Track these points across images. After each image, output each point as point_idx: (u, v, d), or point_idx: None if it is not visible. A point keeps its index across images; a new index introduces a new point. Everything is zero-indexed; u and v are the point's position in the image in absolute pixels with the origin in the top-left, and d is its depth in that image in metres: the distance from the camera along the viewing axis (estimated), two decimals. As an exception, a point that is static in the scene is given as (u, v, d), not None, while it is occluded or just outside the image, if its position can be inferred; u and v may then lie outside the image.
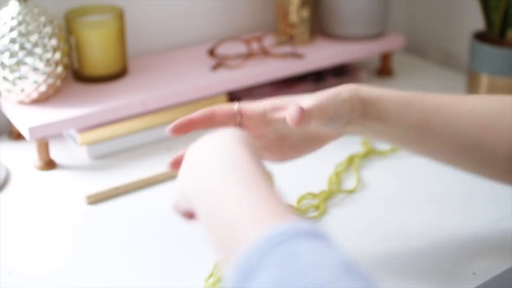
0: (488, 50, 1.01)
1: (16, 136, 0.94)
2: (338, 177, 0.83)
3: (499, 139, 0.59)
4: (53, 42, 0.86)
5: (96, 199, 0.79)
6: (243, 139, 0.51)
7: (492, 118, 0.61)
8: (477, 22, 1.11)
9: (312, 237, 0.40)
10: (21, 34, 0.83)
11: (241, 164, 0.48)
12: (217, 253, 0.46)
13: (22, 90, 0.85)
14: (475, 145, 0.61)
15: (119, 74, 0.95)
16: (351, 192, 0.80)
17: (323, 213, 0.76)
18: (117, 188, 0.80)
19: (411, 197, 0.79)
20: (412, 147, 0.64)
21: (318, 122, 0.59)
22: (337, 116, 0.60)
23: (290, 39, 1.06)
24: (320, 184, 0.81)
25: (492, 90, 1.02)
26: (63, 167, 0.87)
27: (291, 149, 0.65)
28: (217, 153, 0.50)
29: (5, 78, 0.84)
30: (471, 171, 0.64)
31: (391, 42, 1.12)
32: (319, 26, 1.12)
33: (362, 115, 0.61)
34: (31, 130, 0.82)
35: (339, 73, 1.12)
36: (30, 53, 0.84)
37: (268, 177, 0.48)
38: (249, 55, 1.00)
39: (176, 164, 0.59)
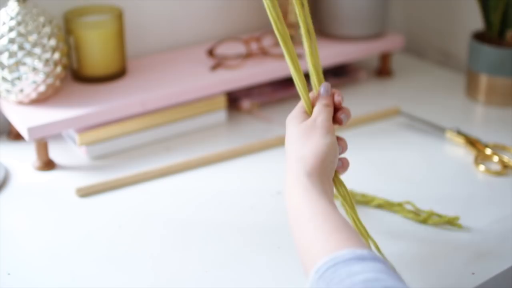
0: (487, 50, 1.01)
1: (15, 136, 0.94)
2: None
3: None
4: (52, 42, 0.85)
5: (86, 192, 0.80)
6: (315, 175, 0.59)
7: None
8: (476, 22, 1.11)
9: (369, 260, 0.48)
10: (20, 35, 0.83)
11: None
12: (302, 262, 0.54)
13: (21, 90, 0.85)
14: None
15: (118, 74, 0.94)
16: None
17: None
18: (114, 181, 0.81)
19: (411, 197, 0.79)
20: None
21: None
22: None
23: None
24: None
25: (491, 90, 1.02)
26: (62, 167, 0.87)
27: None
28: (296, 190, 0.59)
29: (4, 79, 0.84)
30: None
31: (390, 42, 1.12)
32: (318, 26, 1.12)
33: None
34: (30, 130, 0.82)
35: (339, 73, 1.12)
36: (29, 53, 0.84)
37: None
38: (248, 55, 1.00)
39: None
